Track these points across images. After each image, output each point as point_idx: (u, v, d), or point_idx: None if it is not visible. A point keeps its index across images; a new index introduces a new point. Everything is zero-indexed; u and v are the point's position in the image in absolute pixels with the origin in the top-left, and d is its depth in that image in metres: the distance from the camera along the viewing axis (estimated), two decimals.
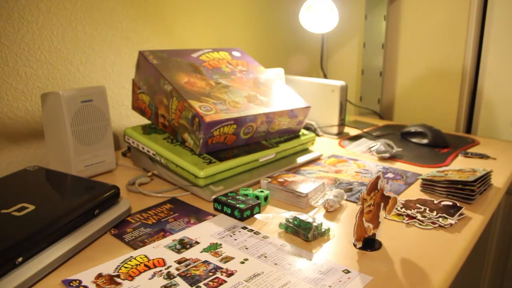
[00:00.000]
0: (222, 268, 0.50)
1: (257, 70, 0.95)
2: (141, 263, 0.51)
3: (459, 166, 0.87)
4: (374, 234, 0.57)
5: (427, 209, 0.66)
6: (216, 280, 0.48)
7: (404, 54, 1.38)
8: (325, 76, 1.54)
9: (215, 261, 0.52)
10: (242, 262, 0.52)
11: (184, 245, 0.56)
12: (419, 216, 0.64)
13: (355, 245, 0.55)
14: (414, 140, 1.08)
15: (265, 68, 0.98)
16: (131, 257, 0.53)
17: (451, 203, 0.68)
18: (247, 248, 0.55)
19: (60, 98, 0.75)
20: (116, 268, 0.50)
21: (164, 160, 0.76)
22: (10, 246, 0.47)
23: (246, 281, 0.48)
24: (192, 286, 0.47)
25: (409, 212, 0.65)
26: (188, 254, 0.54)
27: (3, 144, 0.84)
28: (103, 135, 0.83)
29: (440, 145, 1.04)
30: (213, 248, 0.55)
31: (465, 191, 0.70)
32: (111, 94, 1.00)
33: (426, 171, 0.84)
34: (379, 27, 1.38)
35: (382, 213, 0.56)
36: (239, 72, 0.91)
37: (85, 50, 0.94)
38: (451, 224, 0.61)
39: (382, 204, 0.56)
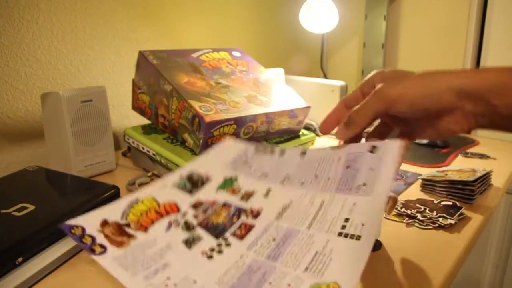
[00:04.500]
0: (246, 210, 0.43)
1: (257, 70, 0.95)
2: (150, 208, 0.43)
3: (459, 166, 0.87)
4: None
5: (427, 209, 0.66)
6: (243, 226, 0.41)
7: (404, 54, 1.38)
8: (325, 76, 1.54)
9: (235, 201, 0.44)
10: (266, 195, 0.44)
11: (195, 183, 0.47)
12: (419, 216, 0.64)
13: None
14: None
15: (265, 68, 0.98)
16: (137, 200, 0.43)
17: (451, 203, 0.68)
18: (266, 176, 0.47)
19: (60, 98, 0.75)
20: (123, 214, 0.41)
21: (164, 160, 0.76)
22: (10, 246, 0.47)
23: (277, 218, 0.41)
24: (218, 238, 0.40)
25: (409, 212, 0.65)
26: (202, 194, 0.45)
27: (3, 144, 0.84)
28: (103, 135, 0.83)
29: (440, 145, 1.04)
30: (229, 183, 0.47)
31: (465, 191, 0.70)
32: (111, 94, 1.00)
33: (426, 171, 0.84)
34: (379, 27, 1.38)
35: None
36: (239, 72, 0.91)
37: (85, 50, 0.94)
38: (451, 224, 0.61)
39: None
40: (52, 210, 0.56)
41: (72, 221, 0.39)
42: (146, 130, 0.83)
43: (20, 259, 0.48)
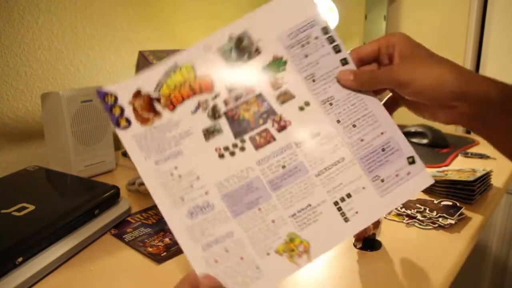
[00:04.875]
0: (276, 114, 0.41)
1: None
2: (185, 81, 0.41)
3: (459, 166, 0.86)
4: (374, 234, 0.56)
5: (427, 209, 0.66)
6: (264, 134, 0.40)
7: None
8: None
9: (271, 97, 0.41)
10: (301, 108, 0.41)
11: (242, 51, 0.43)
12: (419, 216, 0.64)
13: (355, 245, 0.55)
14: (414, 140, 1.08)
15: None
16: (175, 66, 0.41)
17: (451, 203, 0.68)
18: (314, 81, 0.42)
19: (60, 98, 0.75)
20: (158, 86, 0.40)
21: None
22: (10, 246, 0.48)
23: (296, 145, 0.40)
24: (236, 138, 0.39)
25: (409, 212, 0.65)
26: (243, 72, 0.42)
27: (3, 144, 0.84)
28: (103, 135, 0.83)
29: (440, 145, 1.03)
30: (275, 67, 0.43)
31: (465, 191, 0.70)
32: None
33: None
34: (379, 27, 1.38)
35: None
36: None
37: (85, 50, 0.94)
38: (451, 224, 0.61)
39: None
40: (52, 210, 0.56)
41: (109, 87, 0.39)
42: None
43: (20, 259, 0.48)
